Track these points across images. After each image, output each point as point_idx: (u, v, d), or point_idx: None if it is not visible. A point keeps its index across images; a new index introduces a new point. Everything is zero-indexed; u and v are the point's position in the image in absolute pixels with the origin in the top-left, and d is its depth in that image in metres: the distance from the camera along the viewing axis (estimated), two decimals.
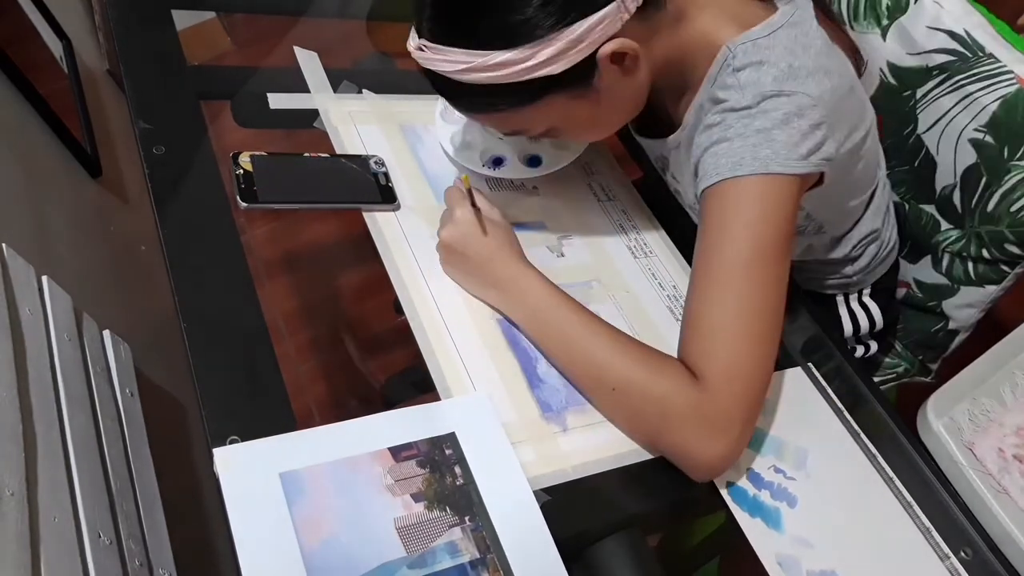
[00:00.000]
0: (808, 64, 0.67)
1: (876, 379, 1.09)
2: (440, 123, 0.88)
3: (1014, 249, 0.91)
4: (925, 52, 0.92)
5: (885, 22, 0.96)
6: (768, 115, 0.66)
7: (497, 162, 0.86)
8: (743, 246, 0.65)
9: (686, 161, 0.78)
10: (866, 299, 1.00)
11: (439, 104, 0.89)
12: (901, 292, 1.07)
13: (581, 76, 0.67)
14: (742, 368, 0.63)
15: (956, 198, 0.95)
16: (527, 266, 0.73)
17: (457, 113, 0.84)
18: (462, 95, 0.70)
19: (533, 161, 0.87)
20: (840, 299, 1.00)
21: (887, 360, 1.09)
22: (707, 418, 0.62)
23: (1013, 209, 0.89)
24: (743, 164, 0.65)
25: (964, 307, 1.01)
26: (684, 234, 0.90)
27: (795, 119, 0.66)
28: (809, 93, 0.66)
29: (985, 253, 0.94)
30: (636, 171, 0.97)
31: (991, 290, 0.97)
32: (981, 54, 0.88)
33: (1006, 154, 0.87)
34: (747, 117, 0.66)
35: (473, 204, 0.75)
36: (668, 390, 0.64)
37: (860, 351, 1.03)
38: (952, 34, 0.90)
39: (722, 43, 0.69)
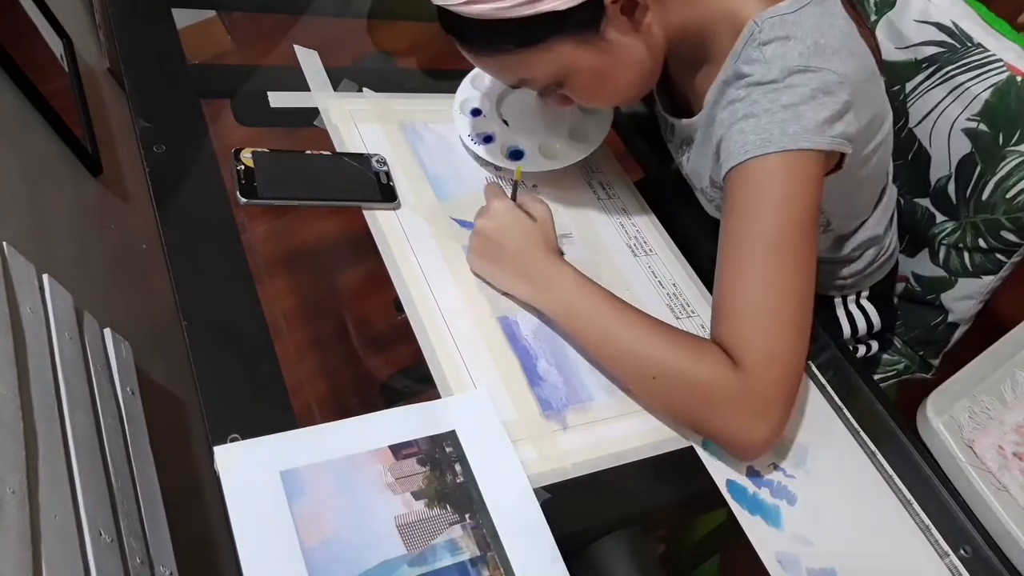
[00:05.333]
0: (834, 43, 0.67)
1: (877, 377, 1.09)
2: (459, 116, 0.89)
3: (1011, 236, 0.91)
4: (914, 45, 0.92)
5: (873, 17, 0.96)
6: (795, 90, 0.65)
7: (516, 155, 0.87)
8: (773, 227, 0.65)
9: (705, 141, 0.77)
10: (864, 302, 1.00)
11: (457, 98, 0.90)
12: (900, 287, 1.07)
13: (588, 20, 0.66)
14: (779, 351, 0.64)
15: (951, 189, 0.96)
16: (560, 260, 0.73)
17: (476, 105, 0.84)
18: (467, 32, 0.68)
19: (551, 154, 0.88)
20: (838, 301, 1.00)
21: (887, 357, 1.09)
22: (749, 403, 0.63)
23: (1008, 196, 0.89)
24: (771, 141, 0.65)
25: (963, 299, 1.01)
26: (684, 233, 0.90)
27: (821, 95, 0.65)
28: (835, 70, 0.66)
29: (982, 243, 0.94)
30: (637, 171, 0.97)
31: (988, 280, 0.97)
32: (970, 44, 0.88)
33: (1001, 141, 0.88)
34: (774, 92, 0.66)
35: (514, 198, 0.75)
36: (709, 376, 0.64)
37: (861, 351, 1.03)
38: (940, 26, 0.90)
39: (748, 17, 0.69)
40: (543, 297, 0.73)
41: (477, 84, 0.93)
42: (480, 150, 0.87)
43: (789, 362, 0.64)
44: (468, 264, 0.76)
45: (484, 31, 0.67)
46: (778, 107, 0.65)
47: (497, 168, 0.87)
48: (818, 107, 0.65)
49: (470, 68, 0.91)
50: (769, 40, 0.67)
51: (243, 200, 0.73)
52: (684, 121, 0.83)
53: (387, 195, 0.80)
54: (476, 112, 0.90)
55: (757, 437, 0.64)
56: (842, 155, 0.70)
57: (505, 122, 0.90)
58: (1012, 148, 0.87)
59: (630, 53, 0.71)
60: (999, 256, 0.94)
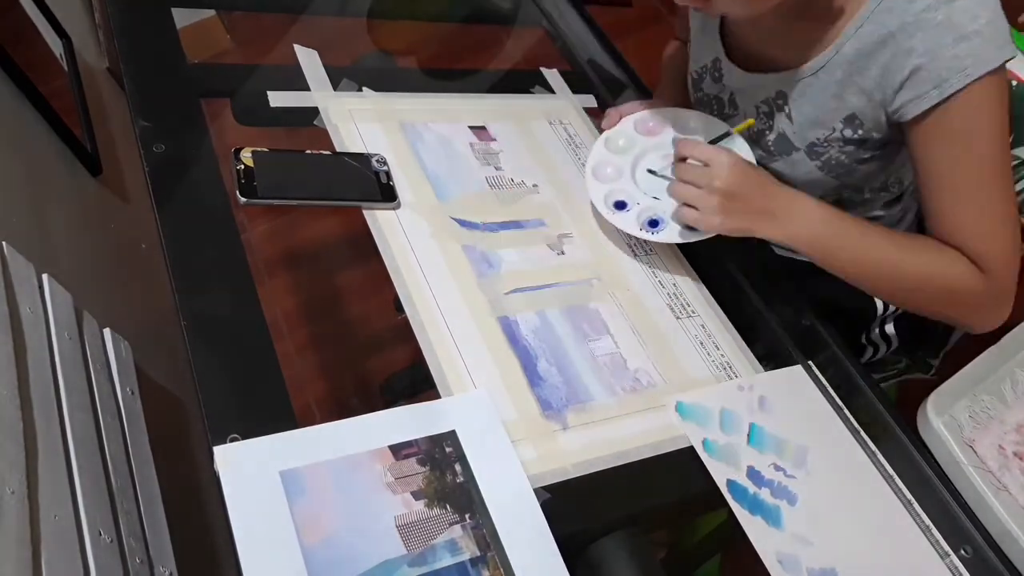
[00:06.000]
0: None
1: (877, 377, 1.08)
2: (592, 181, 0.85)
3: None
4: None
5: None
6: (986, 3, 0.67)
7: (653, 224, 0.82)
8: (997, 148, 0.71)
9: (845, 82, 0.76)
10: (888, 327, 1.00)
11: (589, 162, 0.87)
12: None
13: None
14: (1013, 251, 0.74)
15: None
16: (792, 191, 0.76)
17: (610, 169, 0.85)
18: None
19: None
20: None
21: (888, 357, 1.09)
22: (996, 299, 0.75)
23: None
24: (989, 59, 0.67)
25: None
26: None
27: (997, 5, 0.68)
28: None
29: None
30: None
31: None
32: None
33: None
34: (968, 10, 0.67)
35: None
36: (963, 283, 0.74)
37: (869, 352, 1.02)
38: None
39: None
40: (791, 231, 0.75)
41: (611, 147, 0.88)
42: (615, 219, 0.82)
43: (1019, 257, 0.74)
44: (703, 225, 0.76)
45: None
46: (983, 23, 0.67)
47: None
48: (1001, 17, 0.68)
49: (468, 68, 0.90)
50: None
51: (243, 200, 0.73)
52: (773, 75, 0.81)
53: (387, 195, 0.80)
54: (609, 177, 0.86)
55: (998, 321, 0.77)
56: None
57: (639, 187, 0.85)
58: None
59: None
60: None
